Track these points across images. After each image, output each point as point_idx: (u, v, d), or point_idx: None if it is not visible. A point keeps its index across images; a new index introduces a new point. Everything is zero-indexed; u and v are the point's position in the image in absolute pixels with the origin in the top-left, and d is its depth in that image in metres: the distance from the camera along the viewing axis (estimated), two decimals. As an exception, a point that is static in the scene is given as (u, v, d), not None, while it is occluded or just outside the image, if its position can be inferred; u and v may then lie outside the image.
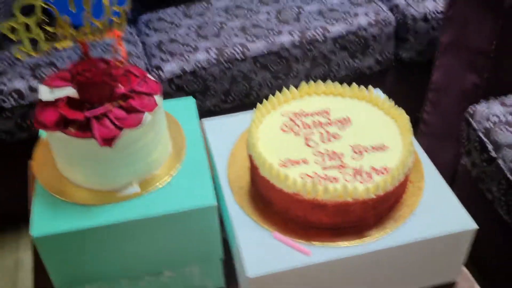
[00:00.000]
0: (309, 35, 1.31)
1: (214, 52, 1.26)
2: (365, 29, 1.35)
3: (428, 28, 1.40)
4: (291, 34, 1.31)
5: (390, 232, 0.66)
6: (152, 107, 0.63)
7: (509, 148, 0.99)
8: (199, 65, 1.24)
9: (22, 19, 0.57)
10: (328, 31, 1.33)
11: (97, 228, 0.60)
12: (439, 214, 0.68)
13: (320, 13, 1.39)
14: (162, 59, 1.26)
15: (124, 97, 0.63)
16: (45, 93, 0.63)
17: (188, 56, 1.25)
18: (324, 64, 1.35)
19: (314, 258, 0.64)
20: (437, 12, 1.38)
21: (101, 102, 0.61)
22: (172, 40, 1.31)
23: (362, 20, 1.36)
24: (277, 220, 0.68)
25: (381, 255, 0.65)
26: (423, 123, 1.38)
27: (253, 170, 0.70)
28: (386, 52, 1.42)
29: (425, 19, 1.39)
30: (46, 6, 0.58)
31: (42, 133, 0.72)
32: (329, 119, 0.75)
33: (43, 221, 0.60)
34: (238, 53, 1.27)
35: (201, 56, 1.25)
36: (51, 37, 0.60)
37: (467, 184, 1.13)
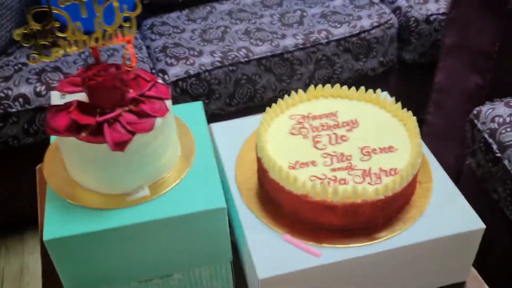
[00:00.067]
0: (312, 38, 1.32)
1: (218, 56, 1.27)
2: (368, 32, 1.36)
3: (431, 30, 1.41)
4: (295, 37, 1.32)
5: (400, 233, 0.67)
6: (163, 112, 0.63)
7: (514, 148, 0.99)
8: (204, 69, 1.25)
9: (34, 25, 0.58)
10: (332, 34, 1.34)
11: (108, 231, 0.61)
12: (447, 214, 0.69)
13: (323, 16, 1.40)
14: (167, 63, 1.26)
15: (135, 101, 0.63)
16: (56, 99, 0.63)
17: (193, 60, 1.26)
18: (328, 66, 1.36)
19: (324, 259, 0.64)
20: (440, 14, 1.39)
21: (112, 107, 0.62)
22: (176, 44, 1.32)
23: (365, 23, 1.37)
24: (287, 222, 0.69)
25: (391, 256, 0.66)
26: (427, 124, 1.38)
27: (262, 172, 0.71)
28: (389, 54, 1.43)
29: (427, 21, 1.39)
30: (58, 12, 0.59)
31: (52, 138, 0.73)
32: (337, 122, 0.76)
33: (55, 224, 0.61)
34: (242, 56, 1.27)
35: (205, 60, 1.26)
36: (63, 43, 0.61)
37: (472, 184, 1.13)
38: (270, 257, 0.65)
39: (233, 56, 1.27)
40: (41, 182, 0.86)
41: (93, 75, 0.61)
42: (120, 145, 0.60)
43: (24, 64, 1.23)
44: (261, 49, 1.29)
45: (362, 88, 0.80)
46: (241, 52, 1.28)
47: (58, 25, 0.59)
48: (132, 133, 0.61)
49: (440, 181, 0.73)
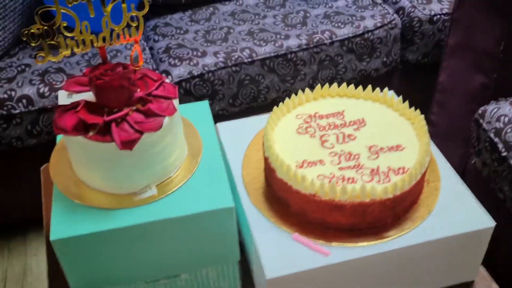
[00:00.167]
0: (316, 38, 1.32)
1: (222, 56, 1.27)
2: (371, 32, 1.36)
3: (434, 30, 1.41)
4: (298, 38, 1.32)
5: (408, 231, 0.66)
6: (171, 111, 0.63)
7: (520, 147, 0.99)
8: (207, 69, 1.25)
9: (42, 25, 0.57)
10: (335, 34, 1.33)
11: (115, 231, 0.60)
12: (456, 213, 0.68)
13: (327, 16, 1.40)
14: (170, 64, 1.26)
15: (142, 101, 0.63)
16: (64, 98, 0.63)
17: (196, 61, 1.26)
18: (331, 67, 1.36)
19: (333, 258, 0.64)
20: (443, 14, 1.39)
21: (119, 106, 0.62)
22: (179, 45, 1.32)
23: (369, 23, 1.37)
24: (294, 221, 0.68)
25: (400, 255, 0.65)
26: (430, 124, 1.38)
27: (270, 172, 0.70)
28: (392, 55, 1.43)
29: (431, 21, 1.39)
30: (65, 12, 0.58)
31: (58, 138, 0.73)
32: (344, 121, 0.76)
33: (62, 224, 0.60)
34: (246, 57, 1.27)
35: (209, 60, 1.26)
36: (70, 43, 0.60)
37: (477, 184, 1.13)
38: (278, 256, 0.64)
39: (236, 56, 1.27)
40: (46, 183, 0.86)
41: (100, 74, 0.61)
42: (128, 144, 0.59)
43: (27, 65, 1.23)
44: (265, 50, 1.29)
45: (369, 87, 0.80)
46: (244, 53, 1.28)
47: (65, 25, 0.59)
48: (140, 133, 0.60)
49: (448, 180, 0.73)
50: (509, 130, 1.02)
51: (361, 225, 0.67)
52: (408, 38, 1.43)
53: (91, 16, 0.60)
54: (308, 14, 1.41)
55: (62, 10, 0.58)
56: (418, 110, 0.75)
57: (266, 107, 1.35)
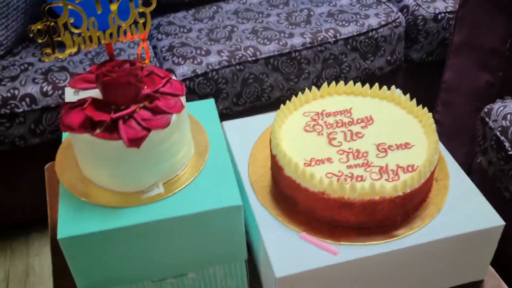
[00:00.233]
0: (320, 36, 1.31)
1: (226, 55, 1.26)
2: (376, 30, 1.35)
3: (439, 28, 1.40)
4: (303, 36, 1.31)
5: (418, 230, 0.66)
6: (179, 108, 0.62)
7: (526, 146, 0.98)
8: (211, 68, 1.24)
9: (49, 21, 0.57)
10: (339, 33, 1.33)
11: (122, 229, 0.60)
12: (466, 211, 0.68)
13: (331, 15, 1.39)
14: (174, 63, 1.25)
15: (150, 98, 0.62)
16: (70, 96, 0.63)
17: (200, 59, 1.25)
18: (335, 65, 1.35)
19: (342, 257, 0.63)
20: (448, 12, 1.38)
21: (126, 104, 0.61)
22: (183, 44, 1.31)
23: (373, 21, 1.36)
24: (302, 220, 0.68)
25: (409, 254, 0.65)
26: (435, 123, 1.37)
27: (277, 170, 0.70)
28: (396, 53, 1.42)
29: (435, 19, 1.39)
30: (72, 8, 0.58)
31: (64, 136, 0.72)
32: (352, 118, 0.75)
33: (69, 223, 0.60)
34: (250, 56, 1.27)
35: (213, 59, 1.25)
36: (77, 39, 0.60)
37: (483, 183, 1.12)
38: (287, 255, 0.64)
39: (240, 55, 1.26)
40: (51, 181, 0.85)
41: (107, 71, 0.60)
42: (135, 142, 0.59)
43: (30, 64, 1.22)
44: (269, 48, 1.28)
45: (376, 85, 0.79)
46: (248, 51, 1.27)
47: (73, 21, 0.58)
48: (148, 130, 0.60)
49: (456, 178, 0.73)
50: (515, 128, 1.01)
51: (370, 223, 0.66)
52: (412, 37, 1.42)
53: (98, 12, 0.59)
54: (312, 13, 1.41)
55: (69, 7, 0.57)
56: (426, 108, 0.74)
57: (270, 106, 1.34)
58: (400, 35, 1.40)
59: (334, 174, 0.67)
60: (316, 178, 0.64)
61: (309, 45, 1.30)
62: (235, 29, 1.36)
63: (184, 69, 1.23)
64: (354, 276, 0.65)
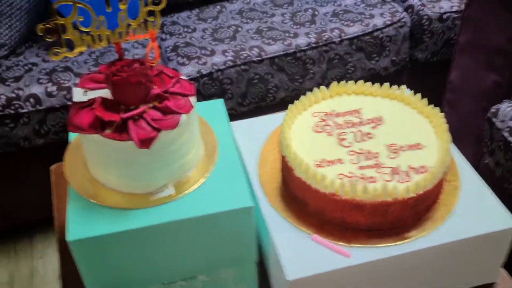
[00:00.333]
0: (325, 36, 1.31)
1: (231, 55, 1.25)
2: (381, 30, 1.35)
3: (444, 28, 1.39)
4: (307, 36, 1.31)
5: (430, 232, 0.65)
6: (188, 108, 0.62)
7: (535, 146, 0.97)
8: (216, 68, 1.24)
9: (58, 20, 0.56)
10: (344, 33, 1.32)
11: (133, 231, 0.59)
12: (478, 213, 0.67)
13: (335, 14, 1.38)
14: (178, 63, 1.25)
15: (159, 98, 0.62)
16: (79, 95, 0.62)
17: (205, 59, 1.24)
18: (340, 65, 1.34)
19: (354, 259, 0.62)
20: (453, 12, 1.38)
21: (136, 103, 0.60)
22: (187, 44, 1.31)
23: (378, 21, 1.35)
24: (313, 221, 0.67)
25: (422, 256, 0.64)
26: (440, 123, 1.37)
27: (287, 171, 0.69)
28: (401, 53, 1.41)
29: (440, 19, 1.38)
30: (81, 6, 0.57)
31: (71, 137, 0.71)
32: (361, 119, 0.74)
33: (79, 225, 0.59)
34: (255, 56, 1.26)
35: (218, 59, 1.25)
36: (86, 38, 0.59)
37: (491, 184, 1.11)
38: (298, 258, 0.63)
39: (245, 55, 1.26)
40: (58, 183, 0.84)
41: (117, 70, 0.60)
42: (145, 142, 0.58)
43: (34, 64, 1.22)
44: (274, 48, 1.28)
45: (386, 84, 0.79)
46: (253, 51, 1.27)
47: (82, 19, 0.57)
48: (158, 130, 0.59)
49: (467, 179, 0.72)
50: (524, 128, 1.01)
51: (381, 225, 0.65)
52: (417, 37, 1.42)
53: (108, 10, 0.58)
54: (316, 12, 1.40)
55: (78, 5, 0.57)
56: (437, 108, 0.73)
57: (274, 106, 1.34)
58: (405, 35, 1.40)
59: (345, 175, 0.66)
60: (328, 179, 0.64)
61: (314, 45, 1.30)
62: (240, 29, 1.35)
63: (189, 69, 1.23)
64: (366, 279, 0.64)
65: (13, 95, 1.13)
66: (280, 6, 1.44)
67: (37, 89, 1.14)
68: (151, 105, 0.61)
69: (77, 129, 0.58)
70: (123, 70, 0.60)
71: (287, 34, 1.32)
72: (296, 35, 1.31)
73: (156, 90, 0.62)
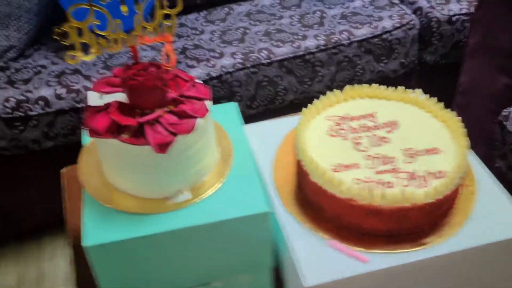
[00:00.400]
0: (334, 39, 1.30)
1: (240, 57, 1.25)
2: (390, 33, 1.34)
3: (453, 30, 1.38)
4: (316, 38, 1.30)
5: (448, 238, 0.64)
6: (204, 112, 0.61)
7: (548, 150, 0.97)
8: (225, 70, 1.23)
9: (75, 23, 0.56)
10: (353, 35, 1.31)
11: (151, 237, 0.58)
12: (495, 218, 0.66)
13: (344, 17, 1.38)
14: (187, 65, 1.24)
15: (175, 102, 0.61)
16: (94, 99, 0.61)
17: (214, 62, 1.24)
18: (349, 68, 1.34)
19: (372, 265, 0.62)
20: (462, 14, 1.37)
21: (152, 107, 0.60)
22: (196, 46, 1.30)
23: (387, 24, 1.34)
24: (329, 227, 0.66)
25: (440, 262, 0.63)
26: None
27: (302, 175, 0.68)
28: (410, 56, 1.40)
29: (450, 21, 1.37)
30: (98, 10, 0.57)
31: (85, 141, 0.71)
32: (376, 123, 0.74)
33: (95, 230, 0.58)
34: (264, 58, 1.25)
35: (227, 61, 1.24)
36: (102, 42, 0.58)
37: (502, 187, 1.10)
38: (315, 263, 0.62)
39: (254, 57, 1.25)
40: (69, 186, 0.84)
41: (133, 74, 0.59)
42: (162, 147, 0.57)
43: (43, 67, 1.21)
44: (283, 51, 1.27)
45: (400, 88, 0.78)
46: (262, 54, 1.26)
47: (99, 23, 0.57)
48: (174, 134, 0.58)
49: (484, 183, 0.71)
50: (537, 132, 1.00)
51: (398, 230, 0.65)
52: (426, 39, 1.41)
53: (124, 13, 0.58)
54: (324, 15, 1.39)
55: (95, 8, 0.56)
56: (453, 112, 0.73)
57: (283, 109, 1.33)
58: (414, 38, 1.39)
59: (362, 180, 0.65)
60: (345, 185, 0.63)
61: (323, 47, 1.29)
62: (248, 31, 1.35)
63: (198, 72, 1.22)
64: (384, 285, 0.64)
65: (23, 97, 1.12)
66: (288, 8, 1.44)
67: (46, 92, 1.14)
68: (167, 109, 0.60)
69: (93, 133, 0.58)
70: (140, 74, 0.59)
71: (295, 36, 1.31)
72: (304, 37, 1.30)
73: (171, 94, 0.62)
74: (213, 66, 1.24)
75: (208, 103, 0.63)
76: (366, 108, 0.76)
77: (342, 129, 0.73)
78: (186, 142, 0.60)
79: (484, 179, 0.72)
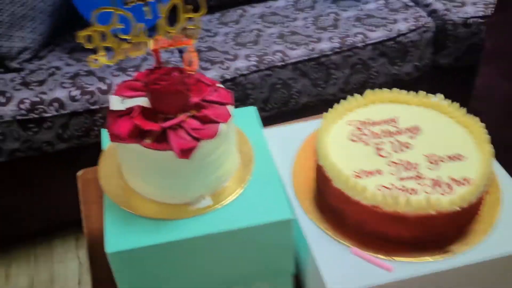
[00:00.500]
0: (349, 41, 1.29)
1: (254, 60, 1.24)
2: (405, 35, 1.33)
3: (468, 33, 1.37)
4: (331, 41, 1.29)
5: (474, 246, 0.63)
6: (226, 117, 0.60)
7: None
8: (240, 73, 1.22)
9: (99, 27, 0.55)
10: (368, 37, 1.30)
11: (173, 243, 0.57)
12: (521, 226, 0.65)
13: (358, 19, 1.37)
14: (201, 67, 1.24)
15: (197, 106, 0.61)
16: (117, 103, 0.61)
17: (228, 64, 1.23)
18: (364, 70, 1.33)
19: (397, 274, 0.61)
20: (478, 17, 1.36)
21: (175, 112, 0.59)
22: (210, 48, 1.29)
23: (402, 26, 1.33)
24: (352, 234, 0.65)
25: (467, 271, 0.62)
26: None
27: (324, 181, 0.67)
28: (424, 59, 1.39)
29: (465, 24, 1.36)
30: (121, 13, 0.56)
31: (105, 144, 0.70)
32: (398, 128, 0.73)
33: (118, 236, 0.58)
34: (278, 60, 1.25)
35: (241, 64, 1.23)
36: (126, 45, 0.58)
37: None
38: (339, 271, 0.61)
39: (269, 60, 1.24)
40: (85, 189, 0.83)
41: (156, 79, 0.58)
42: (185, 152, 0.57)
43: (58, 68, 1.21)
44: (297, 53, 1.26)
45: (421, 92, 0.77)
46: (276, 56, 1.25)
47: (123, 27, 0.56)
48: (197, 140, 0.58)
49: (508, 190, 0.70)
50: (557, 137, 0.99)
51: (423, 238, 0.64)
52: (441, 42, 1.40)
53: (149, 18, 0.57)
54: (338, 17, 1.39)
55: (118, 12, 0.56)
56: (477, 118, 0.72)
57: (296, 111, 1.32)
58: (428, 40, 1.38)
59: (386, 187, 0.64)
60: (368, 191, 0.62)
61: (338, 50, 1.28)
62: (262, 33, 1.34)
63: (212, 74, 1.22)
64: (407, 293, 0.63)
65: (37, 99, 1.12)
66: (302, 10, 1.43)
67: (60, 93, 1.14)
68: (189, 114, 0.60)
69: (116, 138, 0.57)
70: (162, 79, 0.59)
71: (310, 39, 1.30)
72: (319, 40, 1.30)
73: (194, 98, 0.61)
74: (227, 68, 1.24)
75: (231, 108, 0.62)
76: (387, 113, 0.75)
77: (364, 134, 0.72)
78: (208, 148, 0.59)
79: (508, 186, 0.71)
